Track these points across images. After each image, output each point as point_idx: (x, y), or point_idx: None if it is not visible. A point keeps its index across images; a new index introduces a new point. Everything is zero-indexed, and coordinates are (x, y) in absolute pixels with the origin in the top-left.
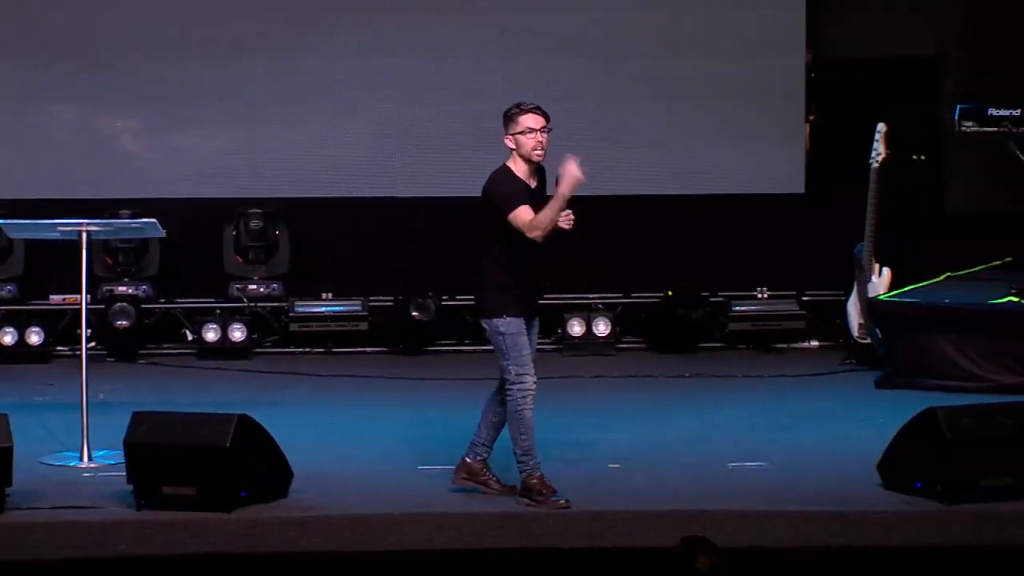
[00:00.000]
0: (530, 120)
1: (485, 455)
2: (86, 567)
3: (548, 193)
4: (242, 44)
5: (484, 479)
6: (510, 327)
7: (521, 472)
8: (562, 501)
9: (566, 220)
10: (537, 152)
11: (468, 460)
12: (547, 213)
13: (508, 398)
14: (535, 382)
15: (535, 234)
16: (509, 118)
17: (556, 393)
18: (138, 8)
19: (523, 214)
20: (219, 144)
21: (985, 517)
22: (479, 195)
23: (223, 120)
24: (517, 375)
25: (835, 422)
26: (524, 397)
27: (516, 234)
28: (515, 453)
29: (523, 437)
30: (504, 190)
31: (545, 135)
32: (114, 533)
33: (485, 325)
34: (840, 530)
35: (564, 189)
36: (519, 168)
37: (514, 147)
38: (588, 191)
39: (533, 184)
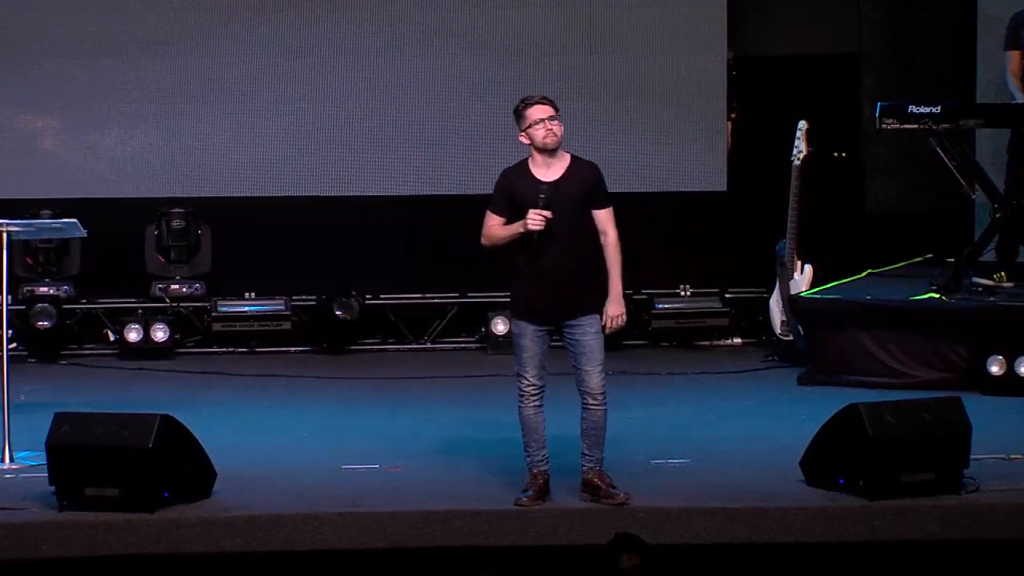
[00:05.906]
0: (538, 112)
1: (587, 464)
2: (7, 569)
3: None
4: (162, 42)
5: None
6: (516, 327)
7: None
8: (525, 499)
9: (535, 222)
10: (548, 139)
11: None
12: (501, 231)
13: None
14: (531, 385)
15: (483, 242)
16: (518, 115)
17: (478, 391)
18: (56, 7)
19: (488, 219)
20: (140, 143)
21: (907, 512)
22: (400, 194)
23: (144, 119)
24: (518, 374)
25: (757, 419)
26: (520, 397)
27: (530, 238)
28: None
29: (522, 432)
30: (496, 188)
31: (555, 123)
32: (36, 534)
33: None
34: (763, 526)
35: (522, 227)
36: (536, 162)
37: (529, 142)
38: None
39: (555, 176)
